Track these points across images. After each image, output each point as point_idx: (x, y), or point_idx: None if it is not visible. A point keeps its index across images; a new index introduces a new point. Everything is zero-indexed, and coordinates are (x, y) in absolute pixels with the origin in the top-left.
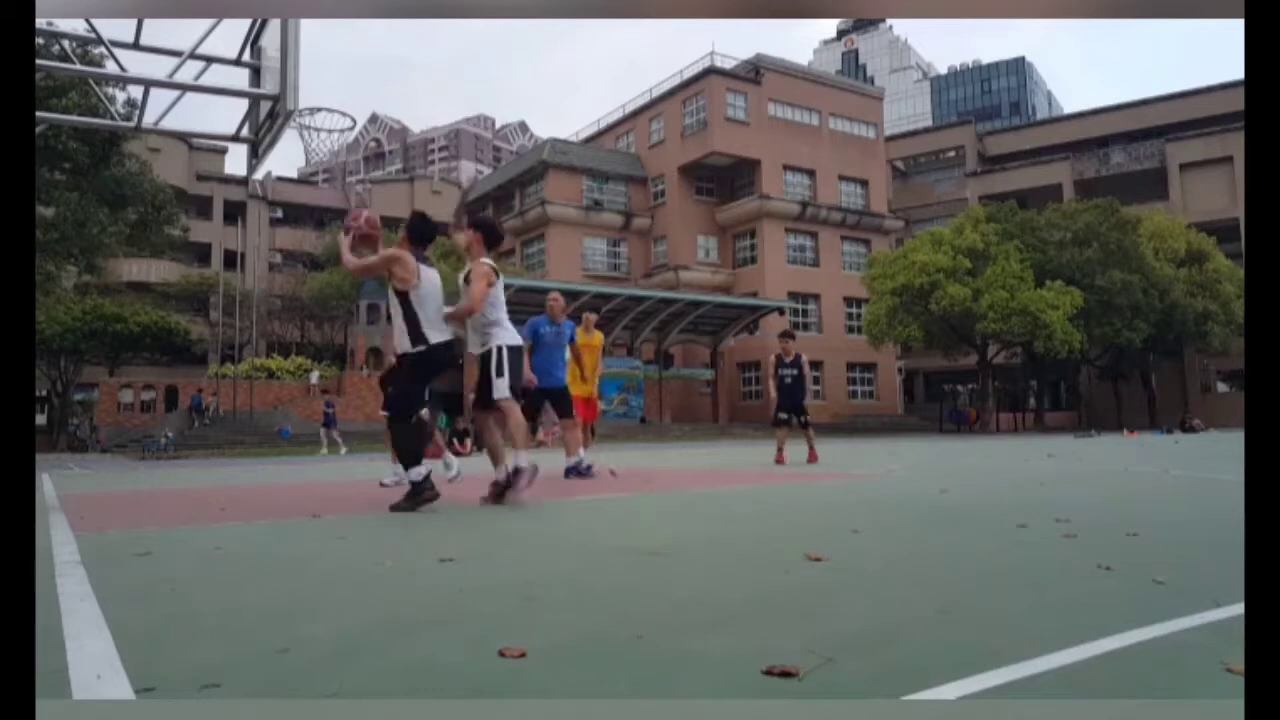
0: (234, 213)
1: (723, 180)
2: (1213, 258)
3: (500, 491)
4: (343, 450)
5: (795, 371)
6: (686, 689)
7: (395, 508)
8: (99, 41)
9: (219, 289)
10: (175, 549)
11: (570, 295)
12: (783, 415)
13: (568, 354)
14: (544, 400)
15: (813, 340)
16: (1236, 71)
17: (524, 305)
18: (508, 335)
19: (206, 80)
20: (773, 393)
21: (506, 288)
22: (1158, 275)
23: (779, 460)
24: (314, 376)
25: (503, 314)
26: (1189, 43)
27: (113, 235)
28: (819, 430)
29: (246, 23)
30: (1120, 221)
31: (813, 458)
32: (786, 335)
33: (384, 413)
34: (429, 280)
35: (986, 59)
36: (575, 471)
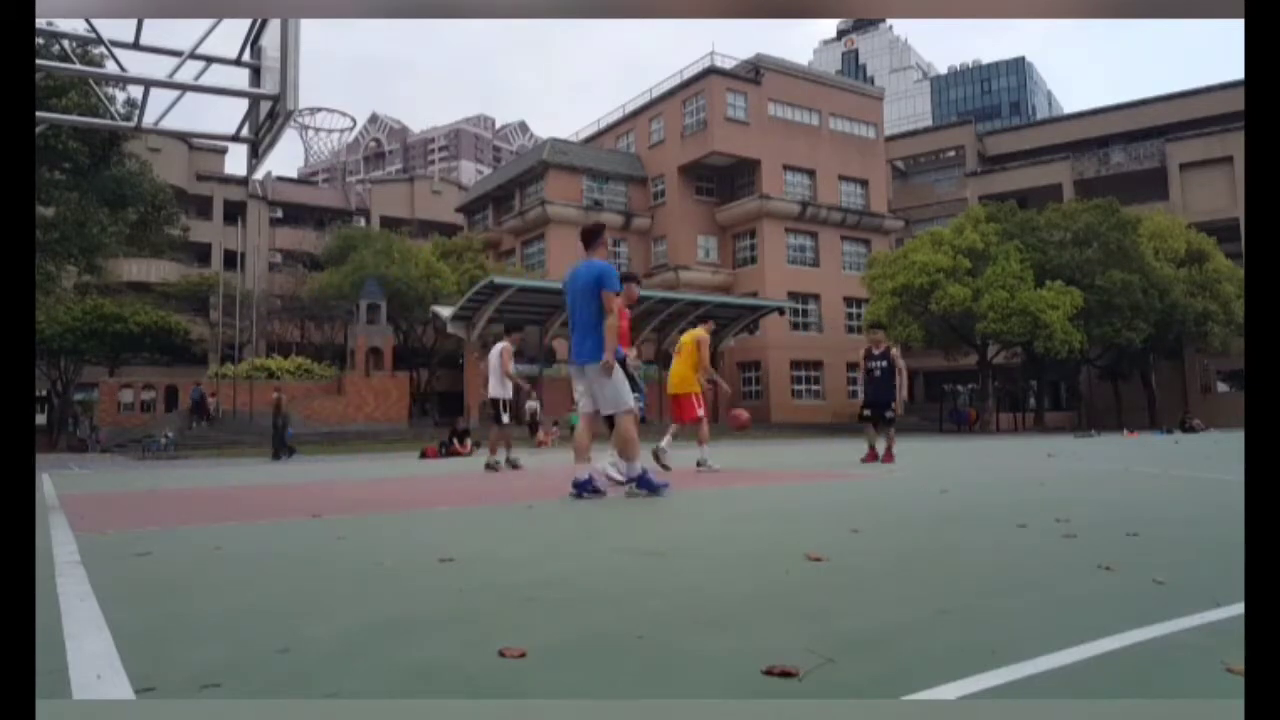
0: (234, 213)
1: (723, 180)
2: (1213, 258)
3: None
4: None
5: (884, 364)
6: (686, 689)
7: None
8: (99, 41)
9: (219, 289)
10: (175, 549)
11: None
12: (866, 413)
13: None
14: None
15: (813, 340)
16: (1236, 71)
17: (524, 305)
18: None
19: (206, 80)
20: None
21: (507, 288)
22: (1158, 275)
23: (868, 458)
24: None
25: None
26: (1189, 43)
27: (113, 235)
28: (819, 430)
29: (246, 23)
30: (1120, 221)
31: (888, 457)
32: (876, 326)
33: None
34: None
35: (986, 59)
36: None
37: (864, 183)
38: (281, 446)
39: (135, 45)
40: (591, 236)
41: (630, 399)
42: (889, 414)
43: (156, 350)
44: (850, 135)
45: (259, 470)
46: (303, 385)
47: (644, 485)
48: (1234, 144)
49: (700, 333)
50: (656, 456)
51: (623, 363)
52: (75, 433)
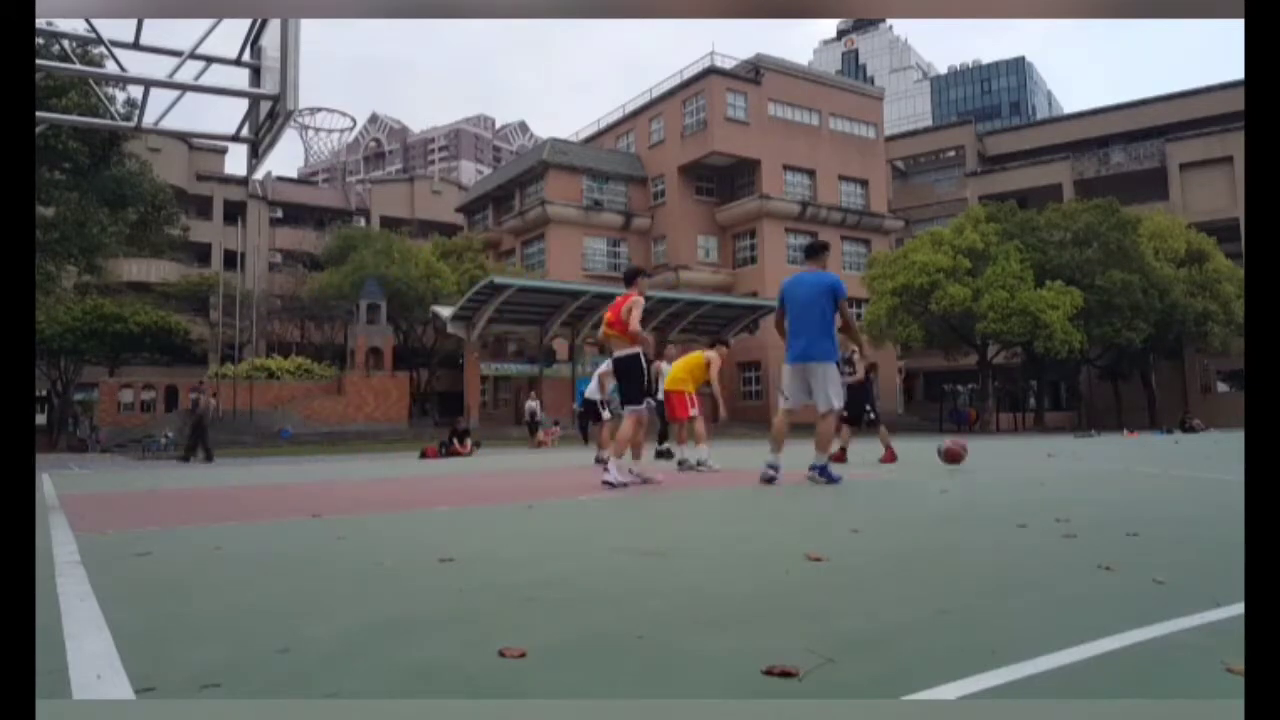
0: (234, 213)
1: (723, 180)
2: (1213, 258)
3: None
4: None
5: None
6: (686, 689)
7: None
8: (99, 41)
9: (219, 289)
10: (175, 549)
11: (570, 295)
12: (871, 416)
13: None
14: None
15: None
16: (1236, 71)
17: (524, 305)
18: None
19: (206, 80)
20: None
21: (507, 288)
22: (1158, 275)
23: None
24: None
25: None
26: (1189, 43)
27: (113, 235)
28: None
29: (246, 23)
30: (1120, 221)
31: (841, 456)
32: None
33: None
34: None
35: (986, 59)
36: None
37: (864, 183)
38: (197, 448)
39: (135, 45)
40: (816, 251)
41: (841, 399)
42: (870, 417)
43: (156, 350)
44: (850, 135)
45: (258, 470)
46: (303, 385)
47: (824, 474)
48: (1234, 144)
49: (712, 354)
50: (680, 465)
51: (647, 362)
52: (75, 433)
